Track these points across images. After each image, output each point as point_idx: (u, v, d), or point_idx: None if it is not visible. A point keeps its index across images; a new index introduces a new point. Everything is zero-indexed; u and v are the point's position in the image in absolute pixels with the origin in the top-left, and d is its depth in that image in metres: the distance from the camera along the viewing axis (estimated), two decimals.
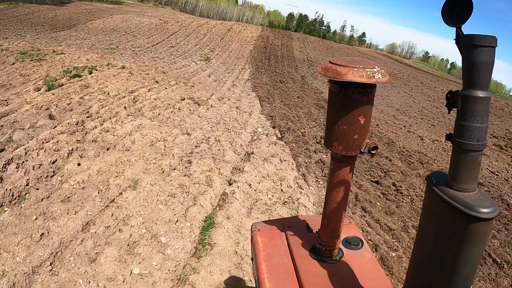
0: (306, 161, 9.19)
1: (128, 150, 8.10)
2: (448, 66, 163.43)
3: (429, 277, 1.27)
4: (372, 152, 1.66)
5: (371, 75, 1.48)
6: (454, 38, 1.20)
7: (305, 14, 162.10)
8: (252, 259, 2.30)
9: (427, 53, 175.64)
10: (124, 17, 51.56)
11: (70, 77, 14.51)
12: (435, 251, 1.23)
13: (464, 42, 1.16)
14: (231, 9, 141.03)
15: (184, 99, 13.12)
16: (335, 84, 1.61)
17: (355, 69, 1.48)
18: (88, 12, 56.20)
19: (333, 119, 1.67)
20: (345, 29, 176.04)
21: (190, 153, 8.20)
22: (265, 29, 56.02)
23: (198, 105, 12.66)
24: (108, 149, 8.08)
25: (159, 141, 8.80)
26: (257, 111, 13.71)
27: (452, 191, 1.19)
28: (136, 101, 12.06)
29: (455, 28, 1.21)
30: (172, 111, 11.27)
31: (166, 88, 14.54)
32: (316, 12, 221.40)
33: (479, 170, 1.21)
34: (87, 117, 9.90)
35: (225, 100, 14.30)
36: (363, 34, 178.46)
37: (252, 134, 10.39)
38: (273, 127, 11.58)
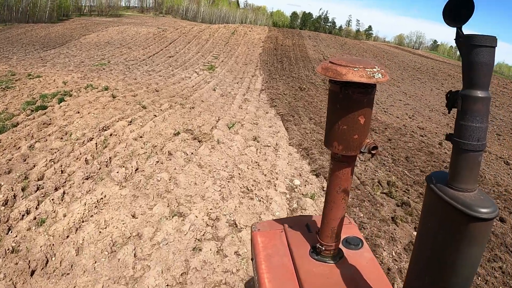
0: (393, 252, 5.09)
1: (67, 274, 4.13)
2: (458, 53, 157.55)
3: (429, 277, 1.23)
4: (372, 152, 1.60)
5: (371, 75, 1.44)
6: (455, 38, 1.16)
7: (309, 12, 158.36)
8: (252, 259, 2.22)
9: (435, 41, 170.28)
10: (120, 28, 48.09)
11: (32, 111, 10.89)
12: (435, 251, 1.20)
13: (464, 42, 1.12)
14: (233, 13, 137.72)
15: (178, 133, 9.09)
16: (336, 84, 1.58)
17: (355, 69, 1.45)
18: (83, 26, 53.11)
19: (333, 119, 1.63)
20: (350, 23, 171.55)
21: (182, 274, 4.14)
22: (273, 29, 51.80)
23: (199, 142, 8.61)
24: (33, 274, 4.16)
25: (128, 239, 4.80)
26: (283, 140, 9.62)
27: (452, 191, 1.16)
28: (106, 146, 8.09)
29: (455, 28, 1.17)
30: (157, 162, 7.24)
31: (155, 116, 10.54)
32: (320, 9, 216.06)
33: (479, 170, 1.18)
34: (22, 189, 6.03)
35: (237, 127, 10.22)
36: (369, 27, 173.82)
37: (289, 199, 6.29)
38: (316, 174, 7.47)
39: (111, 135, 8.77)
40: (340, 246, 1.99)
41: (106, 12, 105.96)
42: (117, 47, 33.94)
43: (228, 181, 6.55)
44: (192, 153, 7.82)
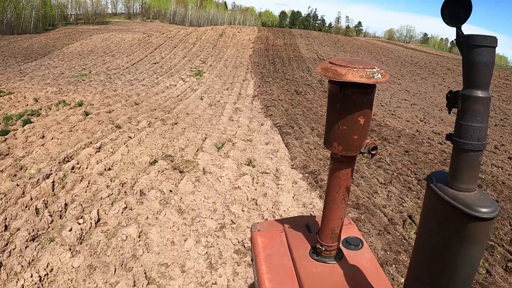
0: None
1: None
2: (449, 45, 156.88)
3: (429, 277, 1.22)
4: (372, 152, 1.59)
5: (371, 75, 1.43)
6: (455, 38, 1.16)
7: (298, 11, 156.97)
8: (252, 260, 2.20)
9: (425, 34, 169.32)
10: (104, 36, 46.36)
11: None
12: (435, 251, 1.18)
13: (464, 42, 1.12)
14: (221, 15, 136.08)
15: (155, 161, 7.42)
16: (335, 84, 1.56)
17: (354, 69, 1.44)
18: (66, 36, 51.43)
19: (333, 119, 1.62)
20: (340, 20, 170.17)
21: None
22: (262, 29, 50.05)
23: (181, 172, 6.94)
24: None
25: None
26: (285, 162, 7.98)
27: (452, 190, 1.14)
28: (63, 186, 6.43)
29: (455, 28, 1.16)
30: (125, 208, 5.57)
31: (129, 138, 8.86)
32: (309, 7, 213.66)
33: (479, 170, 1.17)
34: None
35: (228, 148, 8.57)
36: (359, 23, 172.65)
37: None
38: None
39: (72, 168, 7.10)
40: (340, 246, 1.93)
41: (93, 20, 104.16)
42: (100, 55, 32.22)
43: (217, 236, 4.88)
44: (170, 190, 6.14)
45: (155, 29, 72.58)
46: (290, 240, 2.05)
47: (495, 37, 1.07)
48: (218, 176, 6.78)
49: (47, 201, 6.02)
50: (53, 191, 6.41)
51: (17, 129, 10.07)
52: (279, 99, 15.71)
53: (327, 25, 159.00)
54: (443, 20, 1.18)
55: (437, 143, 11.13)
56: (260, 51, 33.18)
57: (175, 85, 18.49)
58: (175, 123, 10.49)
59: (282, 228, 2.19)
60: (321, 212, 1.91)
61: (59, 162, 7.36)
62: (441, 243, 1.15)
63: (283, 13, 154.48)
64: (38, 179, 6.70)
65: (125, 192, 6.13)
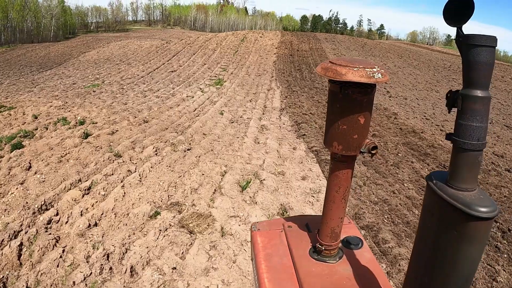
0: None
1: None
2: None
3: (429, 277, 1.19)
4: (372, 152, 1.55)
5: (371, 75, 1.39)
6: (455, 37, 1.13)
7: (319, 14, 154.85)
8: (251, 259, 2.14)
9: (449, 36, 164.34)
10: (122, 43, 45.25)
11: None
12: (435, 251, 1.16)
13: (464, 42, 1.08)
14: (242, 20, 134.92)
15: (157, 213, 5.51)
16: (335, 84, 1.52)
17: (355, 69, 1.41)
18: (84, 44, 50.78)
19: (333, 119, 1.58)
20: (362, 23, 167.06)
21: None
22: (286, 33, 48.11)
23: (190, 233, 5.00)
24: None
25: None
26: None
27: (452, 190, 1.10)
28: (31, 254, 4.61)
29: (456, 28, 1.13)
30: None
31: (129, 172, 7.02)
32: (330, 11, 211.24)
33: (479, 170, 1.13)
34: None
35: (255, 188, 6.60)
36: (382, 26, 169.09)
37: None
38: None
39: (49, 223, 5.29)
40: (340, 246, 1.88)
41: (113, 28, 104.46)
42: (116, 63, 30.91)
43: None
44: (174, 268, 4.21)
45: (175, 35, 71.66)
46: (290, 240, 1.97)
47: (495, 36, 1.03)
48: (242, 240, 4.81)
49: (6, 280, 4.22)
50: (18, 259, 4.61)
51: (3, 156, 8.43)
52: (310, 113, 13.69)
53: (349, 28, 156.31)
54: (444, 19, 1.14)
55: (504, 170, 8.97)
56: (285, 56, 31.19)
57: (193, 97, 16.69)
58: (188, 149, 8.60)
59: (282, 227, 2.10)
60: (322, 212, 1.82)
61: (34, 212, 5.57)
62: (440, 242, 1.12)
63: (304, 17, 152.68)
64: (3, 240, 4.92)
65: (110, 269, 4.24)
